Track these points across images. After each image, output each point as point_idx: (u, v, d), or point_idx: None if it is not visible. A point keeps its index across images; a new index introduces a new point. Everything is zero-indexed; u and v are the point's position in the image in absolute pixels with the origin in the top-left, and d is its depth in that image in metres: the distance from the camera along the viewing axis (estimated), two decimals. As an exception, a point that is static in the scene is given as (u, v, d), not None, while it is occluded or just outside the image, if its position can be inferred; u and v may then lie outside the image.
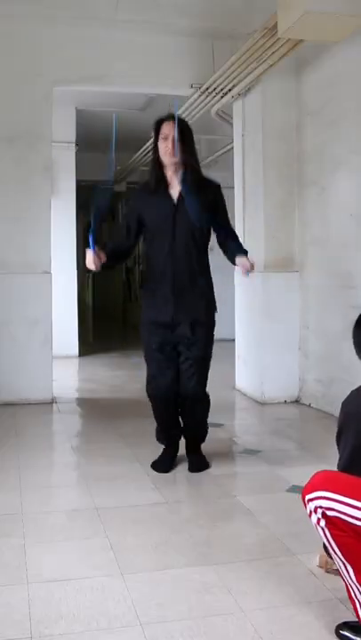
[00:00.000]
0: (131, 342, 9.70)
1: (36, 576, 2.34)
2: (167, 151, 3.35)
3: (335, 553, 1.87)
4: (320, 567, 2.36)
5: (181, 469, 3.55)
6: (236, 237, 3.61)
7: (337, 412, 2.14)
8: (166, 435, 3.61)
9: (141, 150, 8.82)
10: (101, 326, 11.08)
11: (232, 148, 5.75)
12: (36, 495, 3.17)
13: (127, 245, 3.56)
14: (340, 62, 4.55)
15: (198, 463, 3.56)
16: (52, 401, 5.22)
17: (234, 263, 3.46)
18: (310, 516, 1.88)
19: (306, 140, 5.13)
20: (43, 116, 5.22)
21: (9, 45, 5.11)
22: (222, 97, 5.46)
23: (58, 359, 5.88)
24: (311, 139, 5.05)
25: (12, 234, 5.17)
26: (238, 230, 5.65)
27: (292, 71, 5.20)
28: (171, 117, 3.39)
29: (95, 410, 5.16)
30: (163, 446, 3.64)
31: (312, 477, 1.94)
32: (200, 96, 5.46)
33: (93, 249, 3.32)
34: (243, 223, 5.58)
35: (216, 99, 5.49)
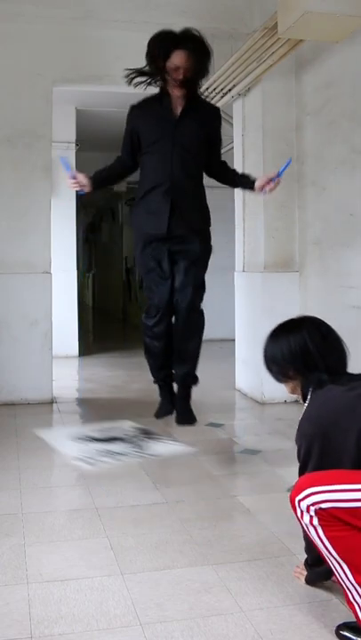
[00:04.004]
0: (131, 342, 9.70)
1: (35, 576, 2.34)
2: (176, 83, 3.31)
3: (330, 554, 1.86)
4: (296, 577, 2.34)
5: (182, 469, 3.54)
6: (234, 170, 3.66)
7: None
8: (161, 372, 3.57)
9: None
10: (101, 326, 11.08)
11: (232, 147, 5.74)
12: (36, 495, 3.17)
13: (125, 165, 3.55)
14: (340, 62, 4.55)
15: (187, 414, 3.53)
16: (52, 401, 5.22)
17: (246, 186, 3.51)
18: (302, 517, 1.88)
19: (306, 140, 5.13)
20: (43, 116, 5.22)
21: (9, 45, 5.11)
22: (222, 97, 5.45)
23: (58, 359, 5.89)
24: (311, 139, 5.05)
25: (12, 234, 5.17)
26: (238, 230, 5.67)
27: (292, 71, 5.20)
28: (186, 42, 3.29)
29: (95, 410, 5.16)
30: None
31: (297, 481, 1.94)
32: (200, 96, 5.44)
33: (68, 168, 3.37)
34: (243, 223, 5.58)
35: (216, 99, 5.48)
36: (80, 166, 8.07)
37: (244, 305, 5.59)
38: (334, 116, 4.66)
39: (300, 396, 2.20)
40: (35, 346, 5.20)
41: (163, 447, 3.89)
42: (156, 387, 3.67)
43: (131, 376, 6.40)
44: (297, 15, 3.81)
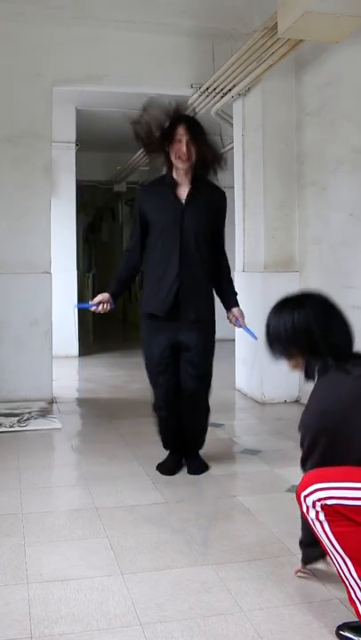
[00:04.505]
0: (131, 342, 9.70)
1: (35, 576, 2.34)
2: (181, 154, 3.30)
3: (334, 549, 1.87)
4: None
5: (182, 470, 3.54)
6: (228, 272, 3.62)
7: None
8: (172, 442, 3.57)
9: (141, 150, 8.82)
10: (101, 326, 11.08)
11: (232, 147, 5.74)
12: (36, 495, 3.17)
13: (138, 256, 3.52)
14: (340, 62, 4.55)
15: (198, 465, 3.54)
16: (52, 401, 5.22)
17: (226, 307, 3.60)
18: (308, 512, 1.88)
19: (306, 140, 5.13)
20: (43, 116, 5.22)
21: (9, 45, 5.11)
22: (222, 97, 5.46)
23: (58, 359, 5.89)
24: (311, 139, 5.05)
25: (12, 234, 5.17)
26: (238, 230, 5.67)
27: (292, 71, 5.20)
28: (184, 120, 3.32)
29: (95, 410, 5.16)
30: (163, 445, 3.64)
31: (303, 476, 1.94)
32: (200, 96, 5.45)
33: (89, 306, 3.46)
34: (243, 223, 5.58)
35: (216, 99, 5.49)
36: (80, 166, 8.12)
37: (244, 305, 5.51)
38: (334, 116, 4.66)
39: (302, 372, 2.15)
40: (35, 346, 5.20)
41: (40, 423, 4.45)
42: None
43: (131, 376, 6.40)
44: (297, 15, 3.81)
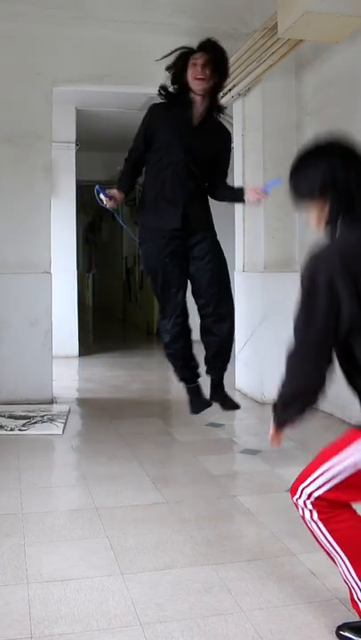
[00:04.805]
0: (131, 342, 9.71)
1: (35, 576, 2.34)
2: (196, 77, 3.42)
3: (334, 550, 1.87)
4: None
5: (182, 469, 3.55)
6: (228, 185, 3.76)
7: (337, 411, 2.14)
8: (188, 370, 3.61)
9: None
10: (101, 326, 11.08)
11: (232, 147, 5.74)
12: (36, 495, 3.17)
13: (141, 159, 3.60)
14: (340, 62, 4.55)
15: (230, 400, 3.62)
16: (52, 401, 5.22)
17: (238, 199, 3.69)
18: (303, 514, 1.89)
19: (306, 140, 5.11)
20: (43, 115, 5.21)
21: (9, 45, 5.10)
22: (222, 97, 5.43)
23: (58, 359, 5.88)
24: (311, 139, 5.04)
25: (12, 234, 5.17)
26: (238, 230, 5.67)
27: (292, 71, 5.19)
28: (207, 47, 3.45)
29: (95, 410, 5.16)
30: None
31: (292, 484, 1.95)
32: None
33: (104, 192, 3.47)
34: (243, 223, 5.58)
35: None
36: (80, 166, 8.12)
37: (245, 305, 5.58)
38: (334, 116, 4.66)
39: (321, 228, 2.02)
40: (35, 346, 5.20)
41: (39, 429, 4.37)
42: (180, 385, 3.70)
43: (131, 376, 6.40)
44: (297, 15, 3.81)
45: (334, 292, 1.79)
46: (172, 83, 3.52)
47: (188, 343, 3.57)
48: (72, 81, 5.38)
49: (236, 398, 5.47)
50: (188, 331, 3.55)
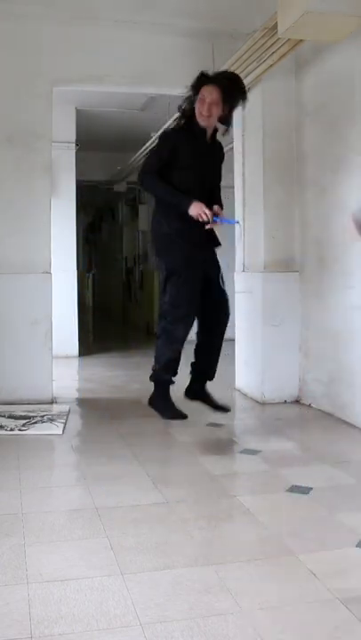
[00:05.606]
0: (131, 342, 9.71)
1: (35, 576, 2.34)
2: (202, 114, 3.81)
3: None
4: None
5: (182, 469, 3.54)
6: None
7: (337, 411, 2.13)
8: (175, 365, 3.93)
9: (141, 150, 8.82)
10: (101, 326, 11.08)
11: (232, 147, 5.75)
12: (36, 495, 3.17)
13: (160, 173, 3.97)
14: (341, 62, 4.55)
15: (221, 404, 4.05)
16: (52, 401, 5.22)
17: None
18: None
19: (306, 140, 5.13)
20: (43, 115, 5.21)
21: (9, 45, 5.10)
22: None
23: (58, 359, 5.88)
24: (311, 139, 5.05)
25: (12, 234, 5.17)
26: (238, 230, 5.67)
27: (292, 71, 5.19)
28: (214, 81, 3.76)
29: (95, 410, 5.16)
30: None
31: None
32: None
33: (216, 217, 3.89)
34: (243, 223, 5.58)
35: (216, 99, 5.48)
36: (80, 166, 8.12)
37: (245, 305, 5.59)
38: (334, 116, 4.66)
39: None
40: (35, 346, 5.20)
41: (39, 429, 4.38)
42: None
43: (131, 376, 6.40)
44: (297, 15, 3.81)
45: None
46: (181, 117, 3.96)
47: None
48: (72, 81, 5.38)
49: (236, 398, 5.51)
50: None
